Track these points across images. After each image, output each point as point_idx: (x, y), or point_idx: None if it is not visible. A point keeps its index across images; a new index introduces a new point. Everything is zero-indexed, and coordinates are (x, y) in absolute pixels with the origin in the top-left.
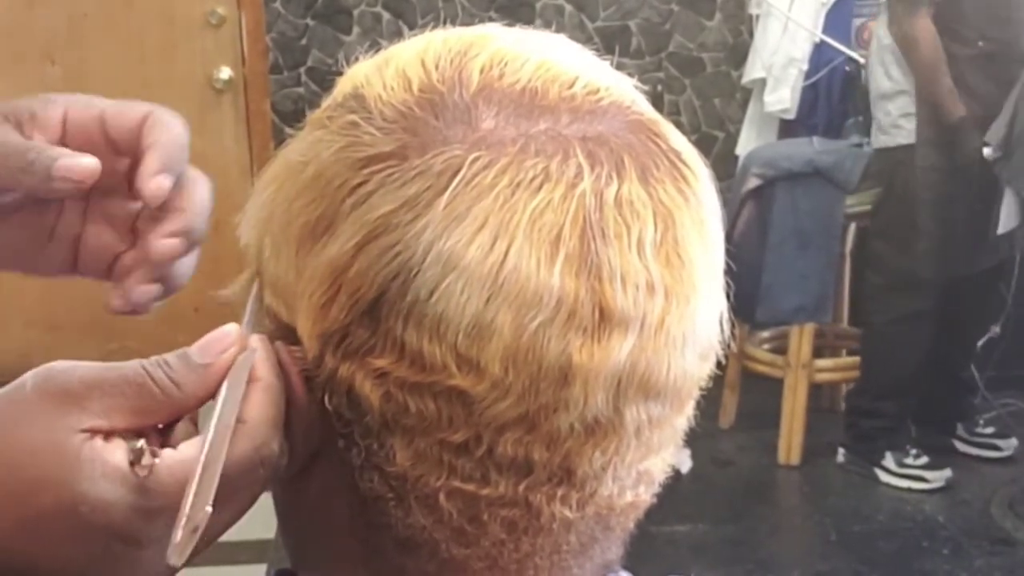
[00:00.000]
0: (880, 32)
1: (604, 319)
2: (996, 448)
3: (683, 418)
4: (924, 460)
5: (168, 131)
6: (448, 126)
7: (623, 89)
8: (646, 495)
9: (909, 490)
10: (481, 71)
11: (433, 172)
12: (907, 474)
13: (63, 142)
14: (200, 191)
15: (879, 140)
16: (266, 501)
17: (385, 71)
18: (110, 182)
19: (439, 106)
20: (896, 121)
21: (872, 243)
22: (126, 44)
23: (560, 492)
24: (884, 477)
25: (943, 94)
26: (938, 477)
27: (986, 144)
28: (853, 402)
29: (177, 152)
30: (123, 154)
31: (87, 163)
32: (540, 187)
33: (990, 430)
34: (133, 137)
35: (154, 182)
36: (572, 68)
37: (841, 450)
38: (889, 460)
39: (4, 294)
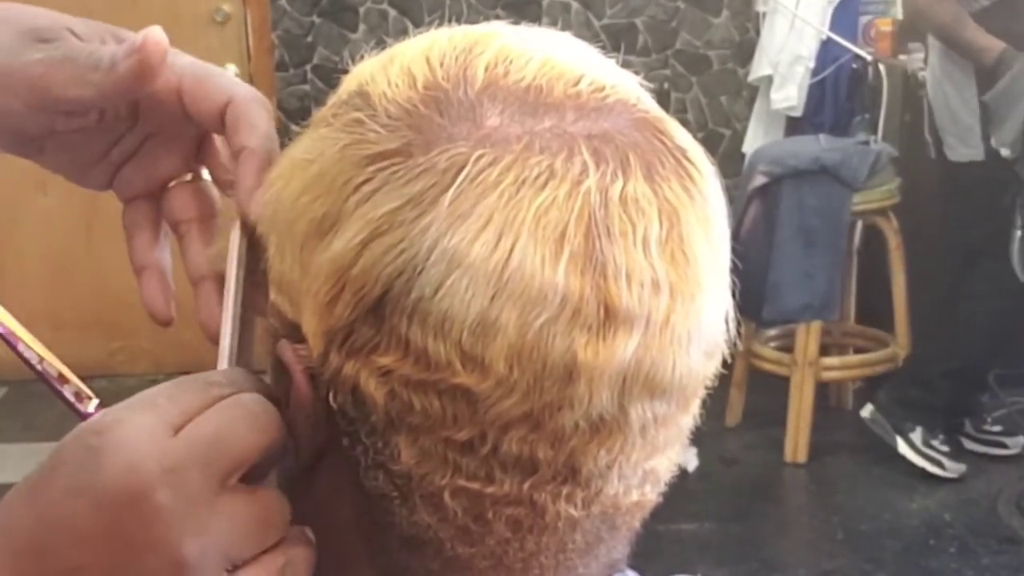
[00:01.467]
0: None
1: (609, 317)
2: (1003, 446)
3: (689, 417)
4: (948, 448)
5: (256, 132)
6: (453, 123)
7: (628, 87)
8: (652, 494)
9: (923, 472)
10: (486, 69)
11: (438, 169)
12: (929, 455)
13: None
14: None
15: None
16: None
17: (390, 69)
18: (170, 134)
19: (444, 103)
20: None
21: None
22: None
23: (565, 490)
24: (902, 448)
25: (971, 41)
26: (955, 469)
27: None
28: (907, 368)
29: (270, 155)
30: (197, 122)
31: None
32: (545, 184)
33: (997, 428)
34: (214, 119)
35: (249, 181)
36: (577, 66)
37: (870, 406)
38: (917, 435)
39: (7, 292)
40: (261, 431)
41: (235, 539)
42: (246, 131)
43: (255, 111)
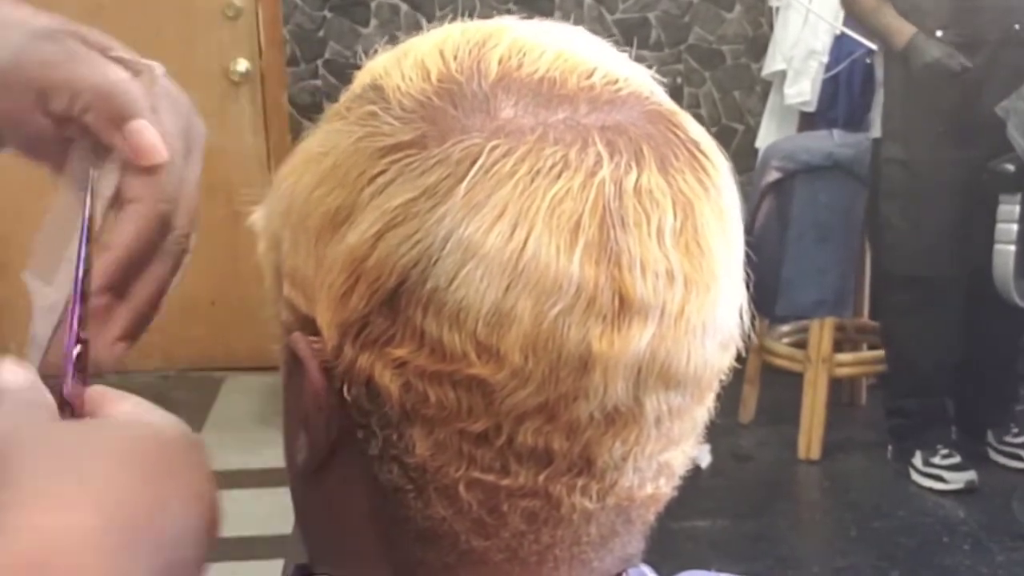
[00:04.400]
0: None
1: (624, 307)
2: (1022, 459)
3: (703, 409)
4: (952, 461)
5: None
6: (467, 115)
7: (641, 80)
8: (667, 487)
9: (931, 490)
10: (500, 61)
11: (452, 161)
12: (929, 473)
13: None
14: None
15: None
16: (284, 497)
17: (404, 62)
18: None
19: (458, 95)
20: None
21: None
22: (142, 36)
23: (580, 482)
24: (914, 475)
25: (886, 26)
26: (957, 479)
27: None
28: (884, 401)
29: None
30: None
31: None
32: (559, 175)
33: (1021, 440)
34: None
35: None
36: (591, 58)
37: (890, 447)
38: (918, 459)
39: (15, 288)
40: None
41: None
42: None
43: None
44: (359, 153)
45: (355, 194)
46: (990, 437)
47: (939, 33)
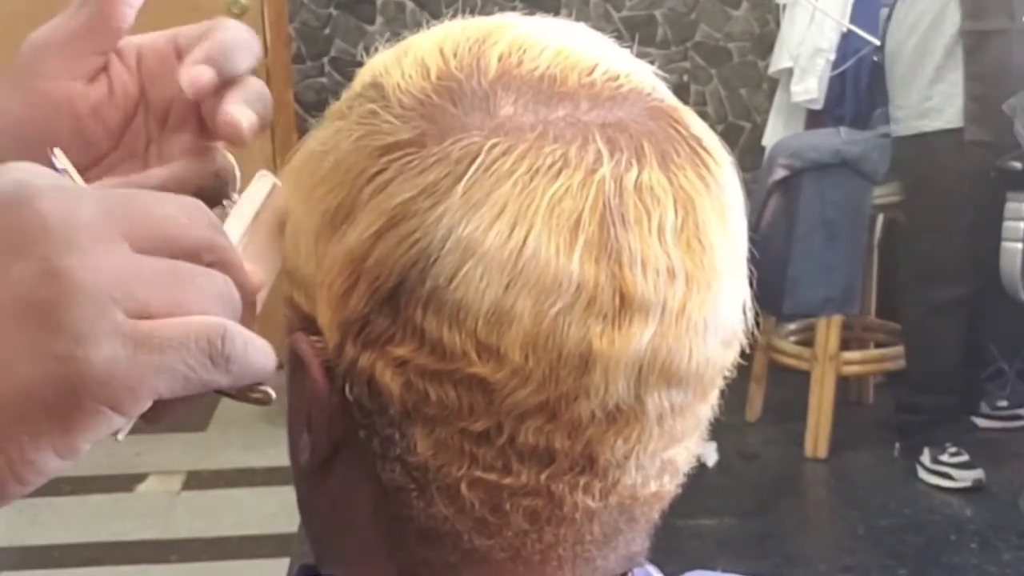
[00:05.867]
0: (900, 15)
1: (624, 305)
2: (1019, 418)
3: (707, 407)
4: (960, 459)
5: (225, 30)
6: (466, 113)
7: (643, 76)
8: (670, 485)
9: (939, 487)
10: (499, 58)
11: (451, 159)
12: (937, 471)
13: (139, 67)
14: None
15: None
16: (289, 496)
17: (404, 60)
18: (181, 113)
19: (457, 93)
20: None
21: (905, 234)
22: (148, 32)
23: (583, 481)
24: (921, 473)
25: None
26: (965, 477)
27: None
28: (896, 396)
29: (227, 48)
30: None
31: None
32: (559, 173)
33: (1005, 403)
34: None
35: (193, 70)
36: (591, 55)
37: (897, 444)
38: (925, 456)
39: None
40: (205, 225)
41: (134, 279)
42: (216, 30)
43: (233, 23)
44: (359, 152)
45: (355, 193)
46: (984, 408)
47: None
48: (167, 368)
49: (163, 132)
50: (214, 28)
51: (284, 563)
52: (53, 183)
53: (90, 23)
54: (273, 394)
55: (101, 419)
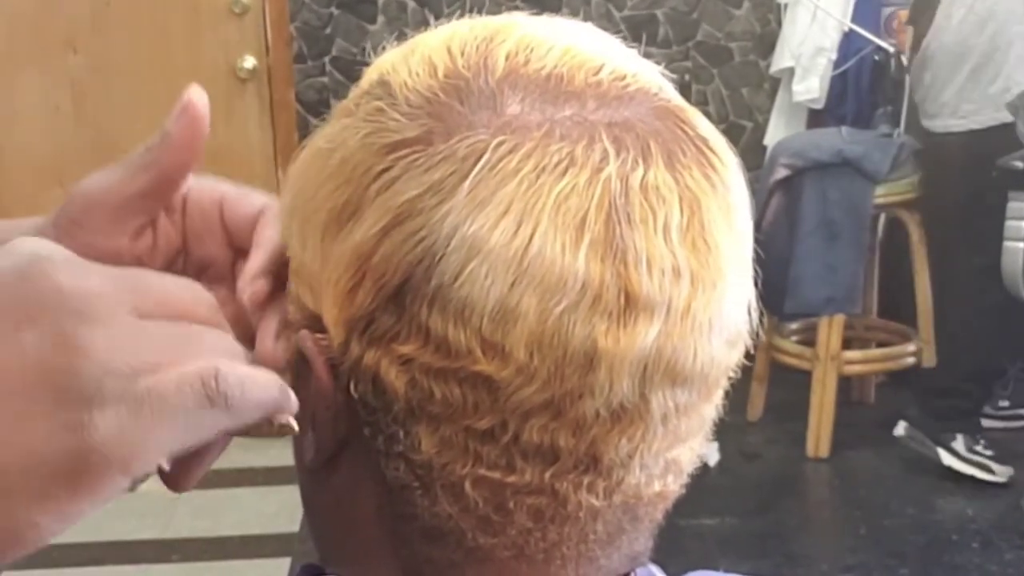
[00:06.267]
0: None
1: (630, 304)
2: (1020, 418)
3: (711, 406)
4: (991, 452)
5: (275, 226)
6: (473, 111)
7: (650, 76)
8: (674, 485)
9: (972, 479)
10: (507, 57)
11: (457, 157)
12: (975, 461)
13: (183, 221)
14: None
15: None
16: (291, 495)
17: (411, 58)
18: (220, 271)
19: (464, 91)
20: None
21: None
22: (149, 33)
23: (586, 480)
24: (947, 459)
25: None
26: (1003, 472)
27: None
28: (931, 378)
29: (279, 253)
30: (235, 246)
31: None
32: (565, 172)
33: (1007, 403)
34: (247, 230)
35: (256, 284)
36: (598, 54)
37: (903, 423)
38: (959, 443)
39: None
40: (209, 308)
41: (144, 343)
42: (272, 229)
43: None
44: (365, 149)
45: (361, 190)
46: (987, 408)
47: None
48: (168, 417)
49: (200, 279)
50: (265, 223)
51: (285, 563)
52: (67, 256)
53: (147, 190)
54: (296, 426)
55: (108, 482)
